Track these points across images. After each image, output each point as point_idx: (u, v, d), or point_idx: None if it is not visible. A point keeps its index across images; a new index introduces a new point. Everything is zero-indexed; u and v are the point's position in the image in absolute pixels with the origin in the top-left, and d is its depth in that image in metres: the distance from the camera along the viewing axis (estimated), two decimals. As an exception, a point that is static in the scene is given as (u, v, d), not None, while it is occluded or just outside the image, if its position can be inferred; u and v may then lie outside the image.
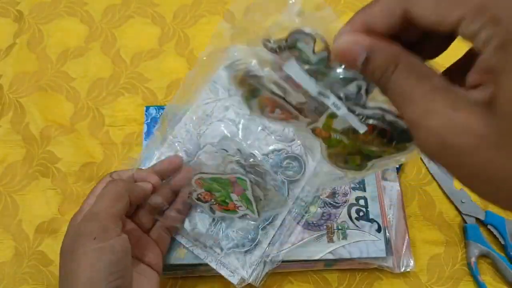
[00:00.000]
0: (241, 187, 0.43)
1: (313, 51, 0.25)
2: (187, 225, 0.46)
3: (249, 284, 0.45)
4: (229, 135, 0.50)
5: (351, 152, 0.29)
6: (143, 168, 0.48)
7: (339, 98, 0.25)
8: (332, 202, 0.49)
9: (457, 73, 0.23)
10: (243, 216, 0.46)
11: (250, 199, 0.44)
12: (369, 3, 0.23)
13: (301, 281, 0.49)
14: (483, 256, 0.49)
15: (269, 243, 0.46)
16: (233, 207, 0.45)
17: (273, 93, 0.27)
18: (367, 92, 0.25)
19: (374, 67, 0.22)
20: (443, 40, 0.24)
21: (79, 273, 0.34)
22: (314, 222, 0.48)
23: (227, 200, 0.44)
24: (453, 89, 0.21)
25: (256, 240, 0.46)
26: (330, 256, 0.46)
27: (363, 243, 0.47)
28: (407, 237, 0.49)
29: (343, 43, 0.23)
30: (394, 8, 0.22)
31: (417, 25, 0.21)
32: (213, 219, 0.46)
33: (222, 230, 0.46)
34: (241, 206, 0.45)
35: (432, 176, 0.53)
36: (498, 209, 0.51)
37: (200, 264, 0.46)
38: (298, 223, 0.47)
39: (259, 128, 0.51)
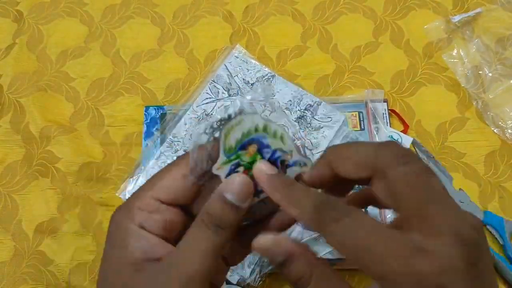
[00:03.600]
0: None
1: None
2: None
3: (248, 284, 0.45)
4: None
5: None
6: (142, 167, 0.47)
7: None
8: (331, 202, 0.49)
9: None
10: None
11: None
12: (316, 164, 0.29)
13: (300, 281, 0.49)
14: (482, 256, 0.49)
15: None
16: None
17: None
18: None
19: (290, 272, 0.25)
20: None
21: None
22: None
23: None
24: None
25: (256, 240, 0.46)
26: (330, 256, 0.46)
27: (362, 243, 0.47)
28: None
29: (266, 241, 0.26)
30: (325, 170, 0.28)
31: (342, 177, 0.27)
32: None
33: None
34: None
35: (431, 176, 0.53)
36: (497, 209, 0.51)
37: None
38: (297, 222, 0.47)
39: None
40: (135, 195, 0.28)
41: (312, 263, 0.25)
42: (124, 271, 0.26)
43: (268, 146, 0.28)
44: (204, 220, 0.27)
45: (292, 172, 0.29)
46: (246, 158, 0.28)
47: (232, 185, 0.27)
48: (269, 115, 0.29)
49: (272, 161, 0.29)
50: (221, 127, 0.27)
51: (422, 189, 0.24)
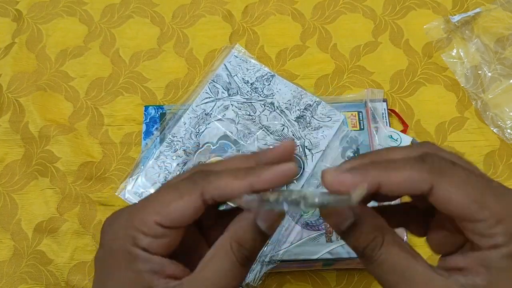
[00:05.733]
0: None
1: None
2: None
3: (248, 283, 0.45)
4: (228, 134, 0.50)
5: None
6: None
7: None
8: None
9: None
10: None
11: None
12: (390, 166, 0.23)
13: (299, 281, 0.49)
14: (481, 256, 0.49)
15: (268, 243, 0.46)
16: None
17: None
18: None
19: (361, 233, 0.23)
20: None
21: None
22: (313, 222, 0.48)
23: None
24: (439, 271, 0.23)
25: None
26: (329, 256, 0.47)
27: (361, 243, 0.47)
28: (405, 236, 0.49)
29: (334, 201, 0.23)
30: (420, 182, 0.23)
31: (441, 209, 0.23)
32: None
33: None
34: None
35: (431, 176, 0.53)
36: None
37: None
38: (296, 222, 0.48)
39: (259, 128, 0.51)
40: (136, 213, 0.26)
41: (382, 227, 0.24)
42: None
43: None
44: (233, 251, 0.24)
45: None
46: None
47: (268, 215, 0.25)
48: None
49: None
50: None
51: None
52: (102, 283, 0.26)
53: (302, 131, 0.51)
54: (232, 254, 0.24)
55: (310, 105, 0.52)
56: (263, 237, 0.25)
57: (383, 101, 0.55)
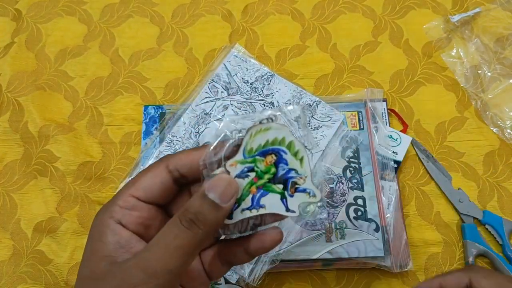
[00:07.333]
0: None
1: None
2: None
3: (247, 283, 0.45)
4: (228, 134, 0.50)
5: None
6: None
7: None
8: (330, 202, 0.49)
9: None
10: None
11: None
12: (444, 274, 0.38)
13: (299, 281, 0.49)
14: (481, 255, 0.49)
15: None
16: None
17: None
18: None
19: None
20: None
21: None
22: (313, 222, 0.48)
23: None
24: None
25: (255, 240, 0.46)
26: (328, 256, 0.46)
27: (361, 243, 0.47)
28: (405, 236, 0.49)
29: None
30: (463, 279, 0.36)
31: None
32: None
33: None
34: None
35: (430, 175, 0.53)
36: (496, 209, 0.51)
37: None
38: (296, 222, 0.48)
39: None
40: (117, 193, 0.29)
41: None
42: (98, 263, 0.27)
43: (286, 163, 0.28)
44: (179, 216, 0.26)
45: (299, 198, 0.29)
46: (261, 166, 0.28)
47: (216, 184, 0.26)
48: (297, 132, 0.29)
49: (284, 180, 0.28)
50: (248, 131, 0.27)
51: None
52: (82, 256, 0.29)
53: (302, 130, 0.50)
54: (176, 217, 0.26)
55: (309, 105, 0.52)
56: (213, 205, 0.26)
57: (383, 100, 0.55)
